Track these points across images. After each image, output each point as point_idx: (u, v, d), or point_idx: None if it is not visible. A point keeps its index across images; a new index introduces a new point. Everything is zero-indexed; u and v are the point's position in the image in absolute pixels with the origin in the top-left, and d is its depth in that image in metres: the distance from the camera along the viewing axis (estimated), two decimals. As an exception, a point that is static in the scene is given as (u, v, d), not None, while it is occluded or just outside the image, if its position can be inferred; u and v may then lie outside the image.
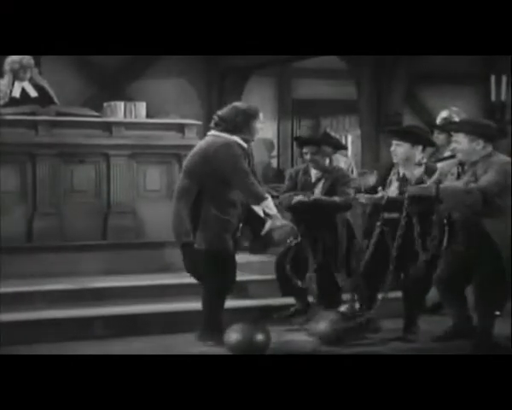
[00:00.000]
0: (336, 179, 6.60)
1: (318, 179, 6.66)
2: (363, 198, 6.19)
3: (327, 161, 6.66)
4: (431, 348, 5.92)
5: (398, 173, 6.22)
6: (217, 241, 5.90)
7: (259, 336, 5.76)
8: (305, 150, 6.68)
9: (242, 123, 5.96)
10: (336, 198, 6.53)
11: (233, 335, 5.77)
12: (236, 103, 6.22)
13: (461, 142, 5.81)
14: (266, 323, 6.05)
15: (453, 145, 5.91)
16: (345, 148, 7.30)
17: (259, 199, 5.91)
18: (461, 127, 5.91)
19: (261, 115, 6.12)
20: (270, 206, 5.93)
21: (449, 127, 5.93)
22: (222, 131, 5.99)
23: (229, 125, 5.96)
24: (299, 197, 6.54)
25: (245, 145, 6.00)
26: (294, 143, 6.89)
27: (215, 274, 5.94)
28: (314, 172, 6.69)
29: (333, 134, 10.15)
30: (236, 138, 5.95)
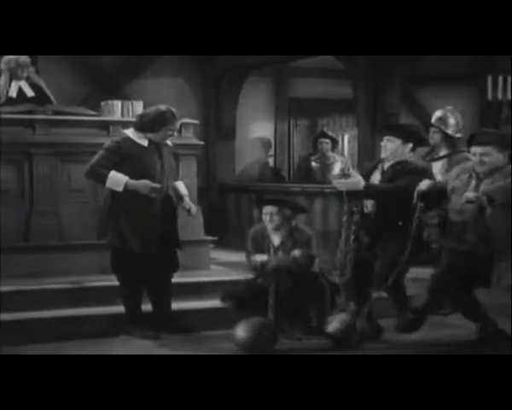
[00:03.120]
0: (296, 241, 6.22)
1: (282, 243, 6.25)
2: (338, 183, 6.22)
3: (286, 224, 6.23)
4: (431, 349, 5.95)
5: (382, 168, 6.26)
6: (117, 236, 6.15)
7: (266, 332, 5.79)
8: (264, 211, 6.23)
9: (148, 124, 6.21)
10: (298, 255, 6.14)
11: (240, 331, 5.80)
12: (160, 107, 6.34)
13: (491, 154, 5.78)
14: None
15: (480, 158, 5.81)
16: (305, 211, 6.80)
17: (90, 175, 6.21)
18: (493, 140, 5.85)
19: (176, 125, 6.32)
20: (112, 183, 6.08)
21: (479, 141, 5.90)
22: (132, 127, 6.30)
23: (137, 123, 6.28)
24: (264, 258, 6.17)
25: (142, 143, 6.21)
26: (255, 203, 6.44)
27: (116, 270, 6.26)
28: (274, 236, 6.27)
29: (329, 133, 10.25)
30: (131, 133, 6.24)
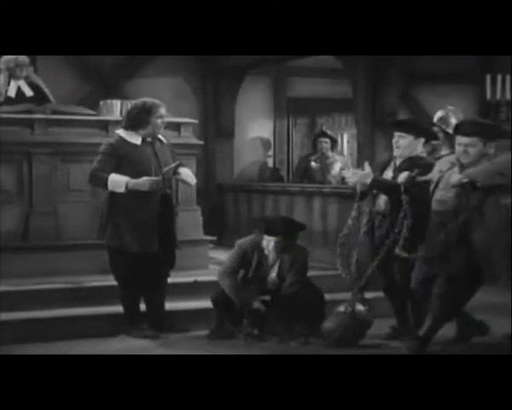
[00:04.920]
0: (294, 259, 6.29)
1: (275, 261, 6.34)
2: (347, 173, 6.19)
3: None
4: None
5: (395, 164, 6.22)
6: (116, 237, 6.16)
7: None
8: (268, 238, 6.26)
9: (135, 119, 6.21)
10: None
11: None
12: (142, 99, 6.38)
13: (476, 145, 5.71)
14: None
15: (464, 148, 5.73)
16: (304, 228, 6.71)
17: (91, 181, 6.24)
18: (479, 131, 5.78)
19: (162, 111, 6.25)
20: (114, 185, 6.07)
21: (465, 131, 5.82)
22: (122, 127, 6.30)
23: (125, 121, 6.29)
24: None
25: (134, 142, 6.21)
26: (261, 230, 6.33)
27: (115, 271, 6.26)
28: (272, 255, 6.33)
29: (329, 132, 10.23)
30: (122, 133, 6.24)
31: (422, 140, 6.21)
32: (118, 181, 6.07)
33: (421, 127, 6.33)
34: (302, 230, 6.59)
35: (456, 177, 5.67)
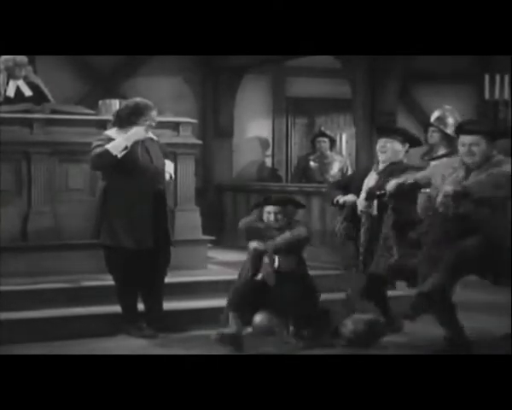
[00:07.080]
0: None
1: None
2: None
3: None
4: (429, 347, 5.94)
5: (377, 168, 6.25)
6: (111, 235, 6.16)
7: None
8: (267, 210, 6.23)
9: (125, 118, 6.23)
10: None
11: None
12: (135, 99, 6.40)
13: (480, 143, 5.62)
14: None
15: (468, 148, 5.64)
16: (304, 206, 7.09)
17: (95, 164, 6.21)
18: (483, 130, 5.71)
19: (153, 114, 6.27)
20: (114, 148, 6.05)
21: (468, 129, 5.76)
22: (112, 126, 6.34)
23: (115, 121, 6.31)
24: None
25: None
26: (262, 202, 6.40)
27: (111, 270, 6.27)
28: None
29: (328, 132, 10.24)
30: (112, 132, 6.23)
31: (407, 146, 6.26)
32: (116, 142, 6.07)
33: (407, 133, 6.40)
34: (298, 206, 6.59)
35: (448, 188, 5.51)
